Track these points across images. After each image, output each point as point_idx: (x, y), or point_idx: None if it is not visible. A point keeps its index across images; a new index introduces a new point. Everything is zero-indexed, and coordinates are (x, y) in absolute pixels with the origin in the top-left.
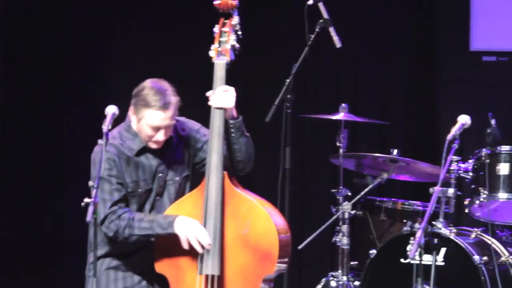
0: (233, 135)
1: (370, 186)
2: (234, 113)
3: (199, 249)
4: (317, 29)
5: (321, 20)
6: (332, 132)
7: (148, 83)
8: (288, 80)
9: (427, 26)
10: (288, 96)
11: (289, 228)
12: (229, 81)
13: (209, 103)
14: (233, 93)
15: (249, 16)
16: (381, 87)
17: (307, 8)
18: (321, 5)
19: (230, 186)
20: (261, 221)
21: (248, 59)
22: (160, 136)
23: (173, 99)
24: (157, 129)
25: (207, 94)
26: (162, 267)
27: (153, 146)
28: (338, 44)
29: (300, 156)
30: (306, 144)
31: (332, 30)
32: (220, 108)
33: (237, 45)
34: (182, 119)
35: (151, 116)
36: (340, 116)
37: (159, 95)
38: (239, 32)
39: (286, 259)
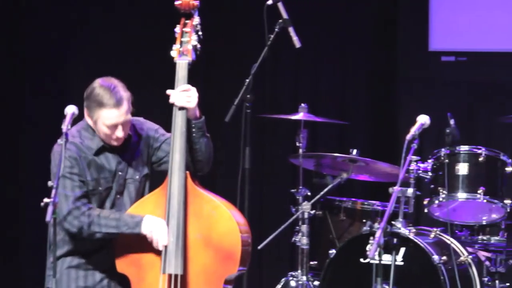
0: (194, 135)
1: (329, 186)
2: (197, 112)
3: (159, 247)
4: (276, 29)
5: (280, 20)
6: (292, 132)
7: (97, 83)
8: (247, 80)
9: (387, 27)
10: (248, 96)
11: (249, 228)
12: (190, 81)
13: (170, 101)
14: (195, 92)
15: (210, 16)
16: (341, 87)
17: (267, 8)
18: (280, 5)
19: (192, 186)
20: (223, 221)
21: (208, 59)
22: (119, 133)
23: (125, 94)
24: (114, 127)
25: (168, 92)
26: (123, 266)
27: (114, 143)
28: (297, 44)
29: (260, 156)
30: (265, 144)
31: (291, 30)
32: (183, 108)
33: (199, 45)
34: (141, 119)
35: (106, 115)
36: (300, 116)
37: (110, 93)
38: (200, 33)
39: (247, 260)
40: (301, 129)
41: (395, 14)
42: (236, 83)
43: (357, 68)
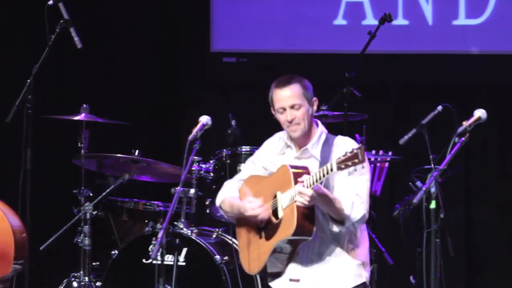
0: None
1: (111, 187)
2: None
3: None
4: (57, 30)
5: (61, 21)
6: (74, 132)
7: None
8: (29, 81)
9: (169, 27)
10: (29, 96)
11: (28, 229)
12: None
13: None
14: None
15: None
16: (124, 88)
17: (48, 9)
18: (61, 6)
19: None
20: None
21: None
22: None
23: None
24: None
25: None
26: None
27: None
28: (79, 44)
29: (42, 157)
30: (47, 145)
31: (72, 31)
32: None
33: None
34: None
35: None
36: (81, 116)
37: None
38: None
39: (23, 259)
40: (83, 130)
41: (177, 14)
42: (19, 84)
43: (141, 69)
